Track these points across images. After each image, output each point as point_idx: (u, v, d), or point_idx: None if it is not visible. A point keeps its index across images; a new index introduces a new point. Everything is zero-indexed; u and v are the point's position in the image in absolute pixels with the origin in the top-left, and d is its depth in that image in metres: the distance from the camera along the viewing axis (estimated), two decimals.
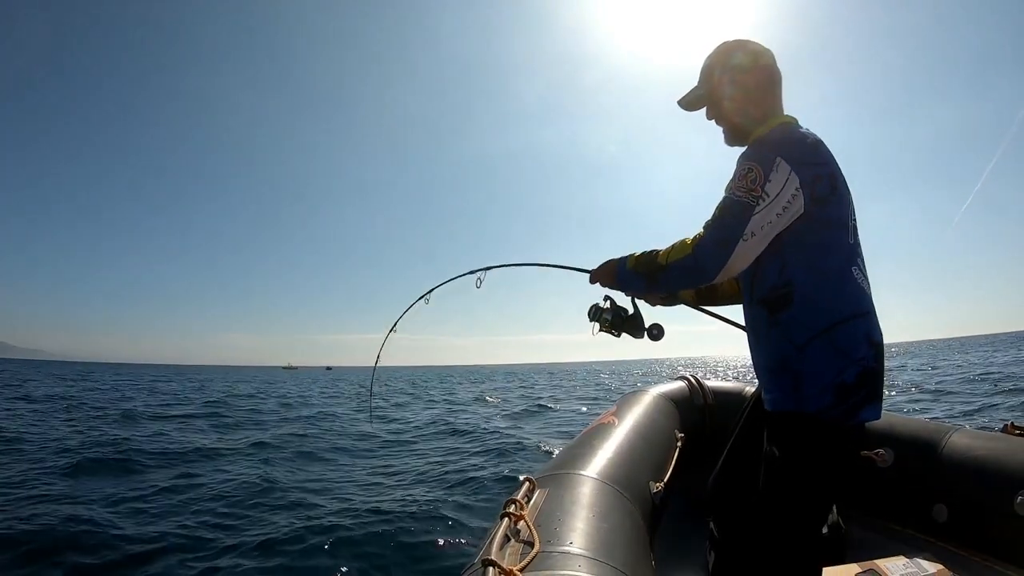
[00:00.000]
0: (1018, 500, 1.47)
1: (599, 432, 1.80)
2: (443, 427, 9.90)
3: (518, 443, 7.40)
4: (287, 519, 4.16)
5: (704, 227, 1.35)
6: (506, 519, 1.29)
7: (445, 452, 7.26)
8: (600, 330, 1.58)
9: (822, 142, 1.37)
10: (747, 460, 1.51)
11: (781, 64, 1.47)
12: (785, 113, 1.46)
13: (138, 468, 6.09)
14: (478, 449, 7.22)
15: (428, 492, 4.86)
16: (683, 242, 1.37)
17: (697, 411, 2.24)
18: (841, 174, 1.37)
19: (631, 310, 1.59)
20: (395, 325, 2.20)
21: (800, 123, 1.45)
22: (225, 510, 4.47)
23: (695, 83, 1.53)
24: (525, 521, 1.29)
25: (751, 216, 1.27)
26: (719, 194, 1.40)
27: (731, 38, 1.51)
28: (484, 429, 9.26)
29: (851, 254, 1.35)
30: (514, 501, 1.35)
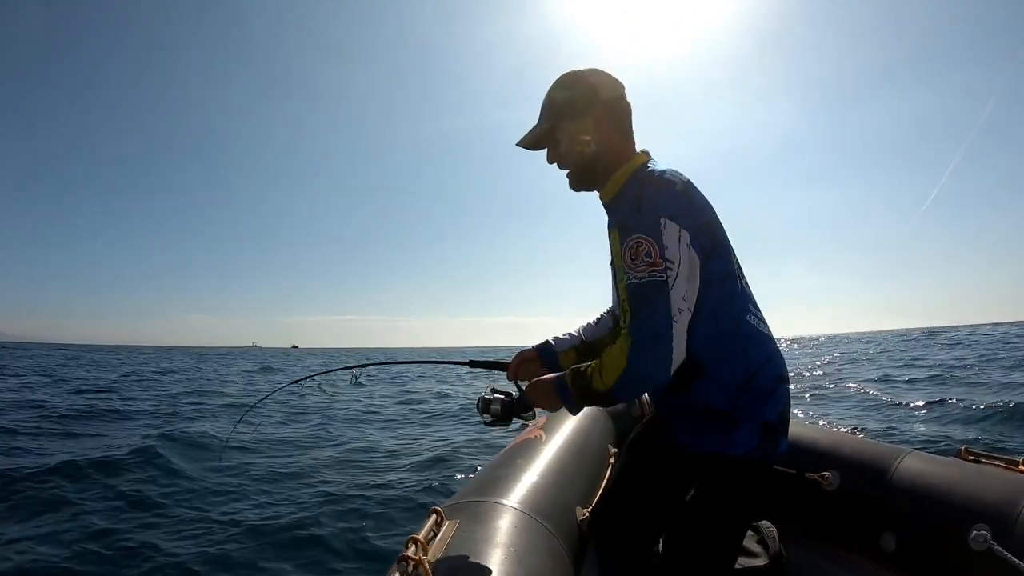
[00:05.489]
0: (972, 535, 1.35)
1: (523, 449, 1.62)
2: None
3: None
4: None
5: (625, 329, 1.18)
6: (401, 566, 1.10)
7: None
8: (491, 422, 1.43)
9: (690, 182, 1.22)
10: (638, 490, 1.44)
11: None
12: (639, 149, 1.32)
13: None
14: None
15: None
16: (611, 354, 1.19)
17: (634, 423, 2.08)
18: (715, 215, 1.24)
19: (516, 393, 1.44)
20: (262, 400, 2.28)
21: (653, 156, 1.30)
22: None
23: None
24: (425, 568, 1.11)
25: (669, 293, 1.11)
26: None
27: (575, 68, 1.32)
28: None
29: (745, 301, 1.26)
30: (415, 541, 1.15)
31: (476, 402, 1.44)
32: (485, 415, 1.42)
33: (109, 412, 9.36)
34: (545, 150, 1.35)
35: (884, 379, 11.99)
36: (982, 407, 7.12)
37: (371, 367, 1.93)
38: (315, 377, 1.96)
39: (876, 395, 9.76)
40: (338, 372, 1.97)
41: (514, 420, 1.42)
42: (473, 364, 1.65)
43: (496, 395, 1.42)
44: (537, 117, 1.35)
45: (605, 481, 1.62)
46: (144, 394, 12.86)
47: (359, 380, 1.84)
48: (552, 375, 1.32)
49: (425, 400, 11.61)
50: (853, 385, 11.50)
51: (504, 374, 1.58)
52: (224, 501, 4.45)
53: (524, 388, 1.40)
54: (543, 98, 1.33)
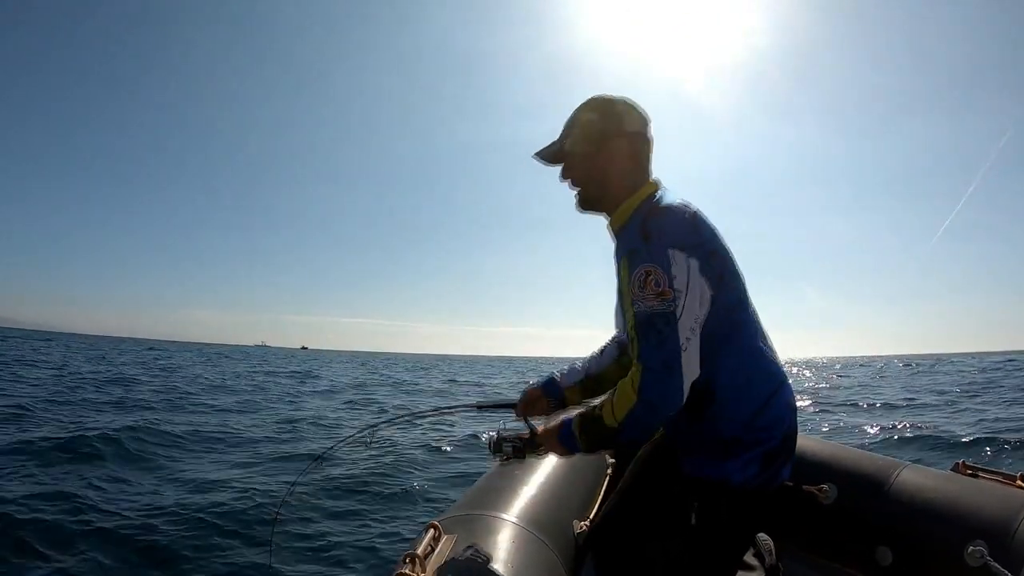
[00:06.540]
0: (968, 550, 1.35)
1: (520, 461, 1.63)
2: None
3: None
4: None
5: (635, 358, 1.17)
6: None
7: None
8: (504, 460, 1.42)
9: (698, 212, 1.23)
10: (639, 509, 1.42)
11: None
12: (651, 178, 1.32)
13: None
14: None
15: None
16: (623, 388, 1.18)
17: None
18: (724, 244, 1.24)
19: (528, 432, 1.42)
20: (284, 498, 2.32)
21: (664, 185, 1.30)
22: None
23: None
24: None
25: (677, 323, 1.11)
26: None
27: (605, 93, 1.32)
28: None
29: (756, 329, 1.27)
30: (414, 557, 1.15)
31: (487, 443, 1.43)
32: (498, 454, 1.41)
33: (81, 404, 9.43)
34: (560, 166, 1.35)
35: (886, 403, 11.91)
36: (976, 432, 7.05)
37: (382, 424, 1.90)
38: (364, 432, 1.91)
39: (872, 417, 9.72)
40: (357, 435, 1.93)
41: (528, 456, 1.41)
42: (481, 407, 1.64)
43: (507, 433, 1.41)
44: (557, 131, 1.35)
45: (603, 493, 1.62)
46: (129, 389, 12.73)
47: (372, 443, 1.80)
48: (560, 421, 1.31)
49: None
50: (848, 407, 11.45)
51: (513, 413, 1.56)
52: (190, 498, 4.29)
53: (535, 428, 1.39)
54: (570, 114, 1.33)
